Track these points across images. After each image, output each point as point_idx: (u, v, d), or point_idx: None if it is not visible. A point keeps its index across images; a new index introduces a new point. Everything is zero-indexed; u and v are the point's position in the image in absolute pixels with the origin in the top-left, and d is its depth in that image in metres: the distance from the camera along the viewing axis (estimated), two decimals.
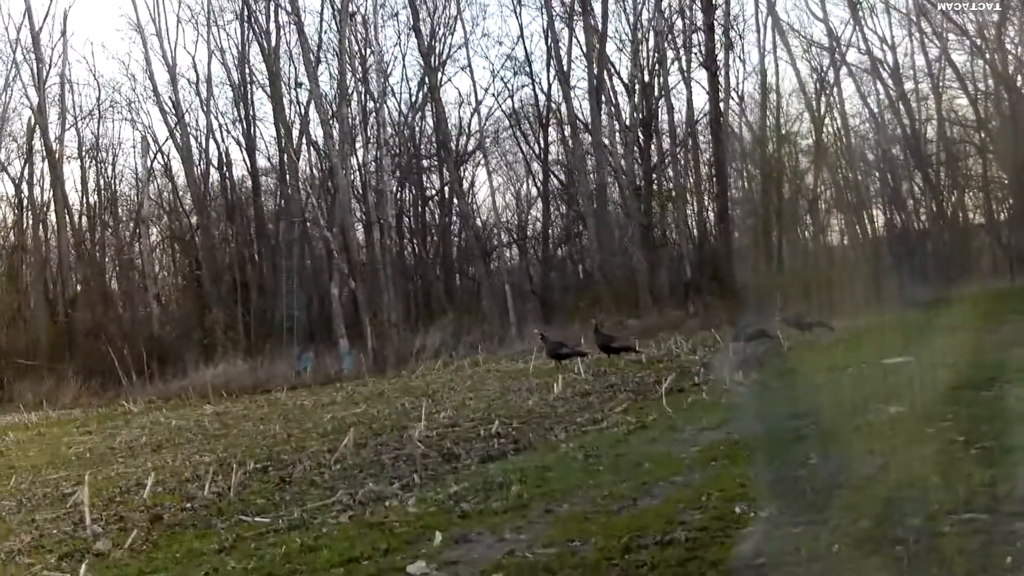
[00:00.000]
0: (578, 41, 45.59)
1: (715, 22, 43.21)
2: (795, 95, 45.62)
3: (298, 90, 44.79)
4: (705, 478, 9.39)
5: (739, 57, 46.18)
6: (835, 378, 16.23)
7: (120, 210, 49.54)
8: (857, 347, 20.48)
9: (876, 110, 44.18)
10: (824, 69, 44.21)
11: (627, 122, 44.49)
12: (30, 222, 47.47)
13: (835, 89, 44.45)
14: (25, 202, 47.28)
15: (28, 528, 10.97)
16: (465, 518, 8.94)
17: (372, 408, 20.64)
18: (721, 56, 43.61)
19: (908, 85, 43.61)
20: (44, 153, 45.66)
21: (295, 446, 15.68)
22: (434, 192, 50.14)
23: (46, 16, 61.85)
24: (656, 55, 44.50)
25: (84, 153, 48.37)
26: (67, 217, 46.78)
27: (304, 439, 16.56)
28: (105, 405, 32.54)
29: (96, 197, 49.21)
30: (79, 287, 46.61)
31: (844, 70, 44.10)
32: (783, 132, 45.39)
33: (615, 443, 12.26)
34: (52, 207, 46.71)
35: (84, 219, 48.90)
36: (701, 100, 45.83)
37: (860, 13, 42.94)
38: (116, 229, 49.01)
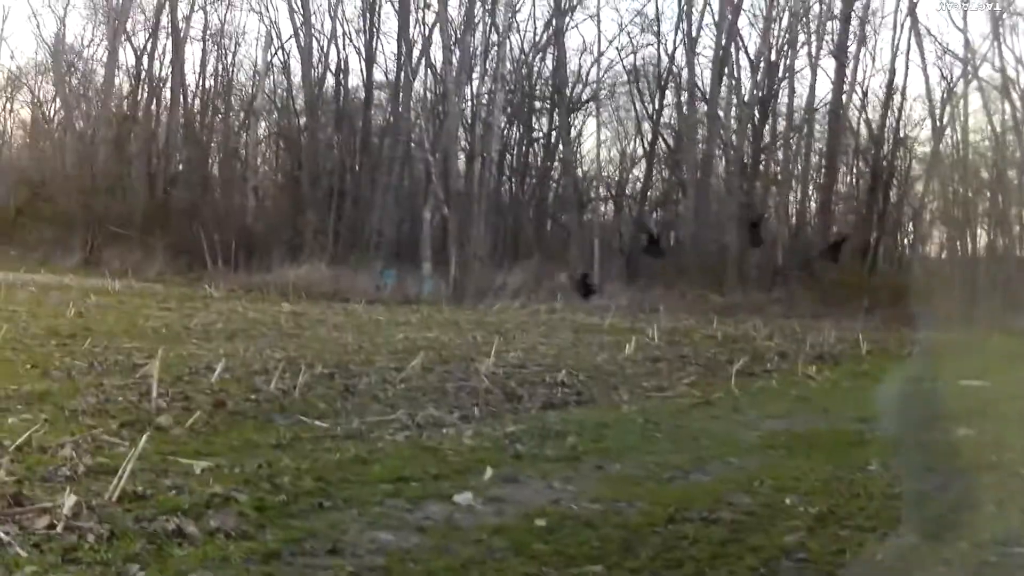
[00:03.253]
0: (711, 9, 45.09)
1: (852, 13, 42.40)
2: (920, 100, 44.85)
3: (425, 10, 44.79)
4: (760, 464, 9.37)
5: (870, 52, 45.17)
6: (908, 390, 16.06)
7: (233, 99, 50.10)
8: (936, 363, 20.21)
9: (999, 129, 43.17)
10: (954, 79, 43.28)
11: (746, 98, 43.97)
12: (145, 95, 48.23)
13: (962, 101, 43.49)
14: (143, 75, 48.02)
15: (95, 391, 11.20)
16: (518, 459, 9.02)
17: (444, 335, 20.80)
18: (852, 48, 42.87)
19: None
20: (169, 30, 46.27)
21: (364, 358, 15.88)
22: (541, 135, 50.04)
23: None
24: (787, 36, 43.88)
25: (207, 36, 48.97)
26: (181, 96, 47.43)
27: (374, 353, 16.76)
28: (188, 285, 33.17)
29: (212, 82, 49.89)
30: (181, 166, 47.32)
31: (974, 84, 43.10)
32: (901, 135, 44.59)
33: (677, 413, 12.26)
34: (168, 84, 47.36)
35: (197, 101, 49.56)
36: (823, 89, 45.04)
37: (1000, 29, 41.86)
38: (226, 116, 49.58)
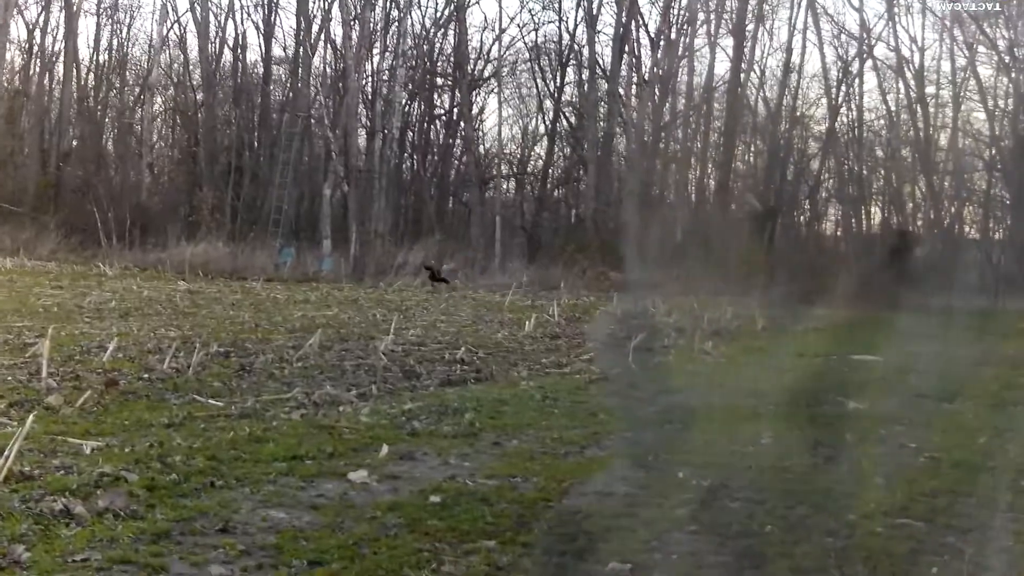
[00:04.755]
0: None
1: None
2: (816, 79, 45.44)
3: None
4: (655, 439, 9.47)
5: (768, 31, 45.71)
6: (802, 364, 16.37)
7: (128, 74, 49.13)
8: (830, 339, 20.60)
9: (893, 108, 44.04)
10: (850, 59, 43.95)
11: (646, 76, 44.23)
12: (37, 69, 47.06)
13: (857, 81, 44.24)
14: (35, 49, 46.86)
15: None
16: (414, 436, 9.02)
17: (343, 313, 20.72)
18: (751, 27, 43.30)
19: (929, 89, 43.42)
20: (63, 3, 45.19)
21: (261, 337, 15.76)
22: (442, 112, 49.81)
23: None
24: (687, 14, 44.14)
25: (101, 10, 47.87)
26: (74, 71, 46.37)
27: (271, 331, 16.65)
28: (82, 263, 32.56)
29: (106, 56, 48.81)
30: (75, 142, 46.31)
31: (869, 63, 43.89)
32: (798, 113, 45.23)
33: (575, 390, 12.35)
34: (62, 58, 46.31)
35: (91, 76, 48.51)
36: (722, 67, 45.43)
37: (896, 9, 42.65)
38: (121, 91, 48.59)
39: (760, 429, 9.98)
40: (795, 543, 6.27)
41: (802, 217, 47.67)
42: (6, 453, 6.76)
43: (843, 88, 43.90)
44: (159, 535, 5.86)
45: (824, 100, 44.90)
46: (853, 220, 44.60)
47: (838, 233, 46.31)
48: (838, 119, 44.15)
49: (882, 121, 45.21)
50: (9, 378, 10.68)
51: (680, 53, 44.19)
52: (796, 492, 7.50)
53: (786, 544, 6.25)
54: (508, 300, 25.15)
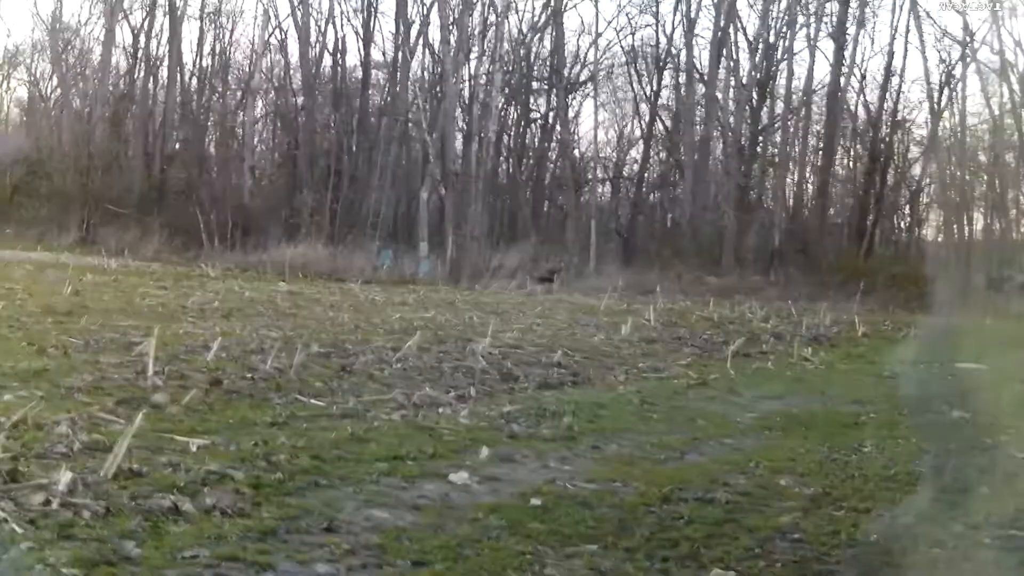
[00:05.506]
0: None
1: None
2: (918, 83, 44.74)
3: None
4: (756, 445, 9.40)
5: (868, 34, 44.85)
6: (904, 372, 16.09)
7: (230, 78, 49.91)
8: (932, 346, 20.25)
9: (997, 113, 43.07)
10: (952, 62, 43.13)
11: (744, 80, 43.85)
12: (142, 74, 48.07)
13: (960, 85, 43.40)
14: (140, 54, 47.85)
15: (91, 368, 11.22)
16: (514, 439, 9.04)
17: (441, 316, 20.81)
18: (851, 30, 42.71)
19: None
20: (167, 8, 46.09)
21: (360, 338, 15.88)
22: (539, 116, 49.88)
23: None
24: (786, 17, 43.66)
25: (204, 15, 48.71)
26: (178, 75, 47.30)
27: (370, 333, 16.76)
28: (184, 264, 33.13)
29: (209, 61, 49.67)
30: (178, 145, 47.22)
31: (972, 67, 43.00)
32: (899, 118, 44.52)
33: (673, 394, 12.29)
34: (166, 63, 47.23)
35: (194, 80, 49.41)
36: (822, 71, 44.95)
37: (999, 11, 41.73)
38: (223, 96, 49.36)
39: (863, 437, 9.86)
40: (902, 553, 6.18)
41: (903, 223, 46.93)
42: (116, 450, 6.90)
43: (945, 92, 43.11)
44: (266, 533, 5.94)
45: (926, 104, 44.12)
46: (955, 226, 43.78)
47: (939, 239, 45.50)
48: (940, 124, 43.37)
49: (985, 126, 44.28)
50: (116, 376, 10.86)
51: (779, 56, 43.76)
52: (900, 501, 7.39)
53: (892, 554, 6.16)
54: (604, 304, 25.08)
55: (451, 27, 41.13)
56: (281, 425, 8.95)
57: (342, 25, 48.38)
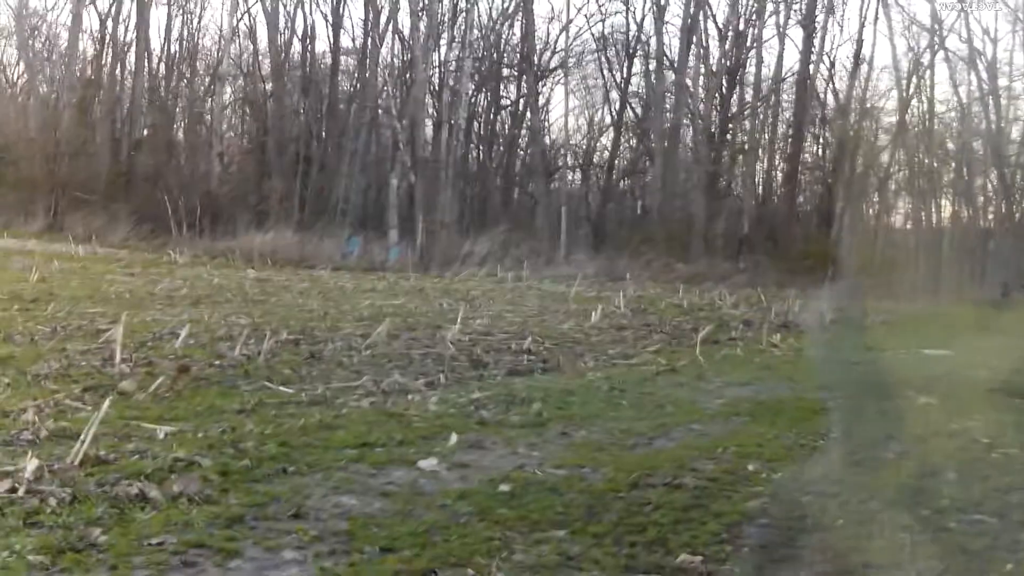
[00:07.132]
0: None
1: None
2: (887, 71, 45.05)
3: None
4: (724, 431, 9.43)
5: (838, 22, 45.30)
6: (872, 359, 16.17)
7: (198, 64, 49.69)
8: (900, 333, 20.37)
9: (965, 101, 43.43)
10: (921, 50, 43.40)
11: (713, 67, 43.97)
12: (109, 59, 47.76)
13: (928, 72, 43.73)
14: (107, 39, 47.52)
15: (58, 356, 11.21)
16: (483, 425, 9.04)
17: (410, 303, 20.81)
18: (820, 18, 42.95)
19: (1002, 81, 42.78)
20: None
21: (329, 325, 15.87)
22: (509, 103, 49.89)
23: None
24: (755, 5, 43.78)
25: (172, 1, 48.43)
26: (146, 61, 47.01)
27: (339, 320, 16.76)
28: (152, 251, 33.00)
29: (177, 46, 49.40)
30: (146, 132, 46.95)
31: (941, 55, 43.32)
32: (868, 105, 44.78)
33: (642, 381, 12.31)
34: (133, 48, 46.89)
35: (162, 66, 49.13)
36: (791, 58, 45.06)
37: (968, 0, 42.01)
38: (191, 81, 49.17)
39: (829, 423, 9.91)
40: (868, 537, 6.22)
41: (871, 210, 47.20)
42: (82, 437, 6.88)
43: (914, 80, 43.39)
44: (233, 520, 5.92)
45: (894, 92, 44.43)
46: (923, 213, 44.08)
47: (907, 226, 45.81)
48: (908, 111, 43.63)
49: (953, 113, 44.65)
50: (83, 363, 10.84)
51: (749, 44, 43.87)
52: (867, 486, 7.43)
53: (859, 538, 6.20)
54: (574, 291, 25.13)
55: (421, 13, 41.05)
56: (249, 412, 8.92)
57: (311, 11, 48.18)
